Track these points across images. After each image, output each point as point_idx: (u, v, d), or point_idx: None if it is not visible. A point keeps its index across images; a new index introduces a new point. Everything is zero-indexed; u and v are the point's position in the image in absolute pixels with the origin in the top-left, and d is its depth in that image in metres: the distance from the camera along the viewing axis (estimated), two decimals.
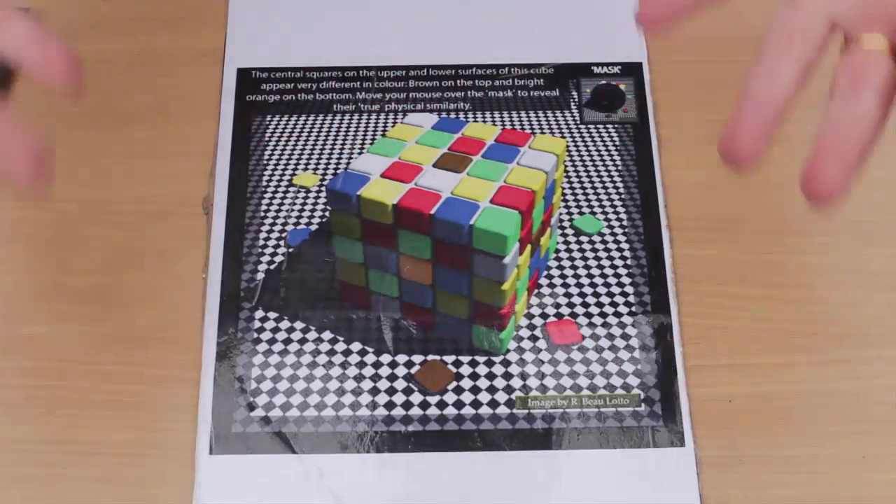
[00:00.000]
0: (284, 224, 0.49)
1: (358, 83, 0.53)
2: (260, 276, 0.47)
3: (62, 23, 0.54)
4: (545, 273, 0.48)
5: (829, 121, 0.33)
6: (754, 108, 0.34)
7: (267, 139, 0.51)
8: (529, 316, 0.46)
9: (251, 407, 0.44)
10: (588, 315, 0.46)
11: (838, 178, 0.33)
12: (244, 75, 0.53)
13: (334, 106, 0.52)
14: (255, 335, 0.46)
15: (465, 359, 0.45)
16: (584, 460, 0.43)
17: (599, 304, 0.47)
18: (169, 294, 0.47)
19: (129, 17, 0.55)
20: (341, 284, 0.47)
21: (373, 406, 0.44)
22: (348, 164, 0.50)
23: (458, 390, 0.44)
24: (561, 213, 0.49)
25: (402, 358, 0.45)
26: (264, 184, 0.50)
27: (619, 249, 0.48)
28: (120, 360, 0.45)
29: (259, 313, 0.46)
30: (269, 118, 0.52)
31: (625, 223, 0.49)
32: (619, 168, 0.50)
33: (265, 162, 0.51)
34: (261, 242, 0.48)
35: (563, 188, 0.50)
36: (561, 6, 0.55)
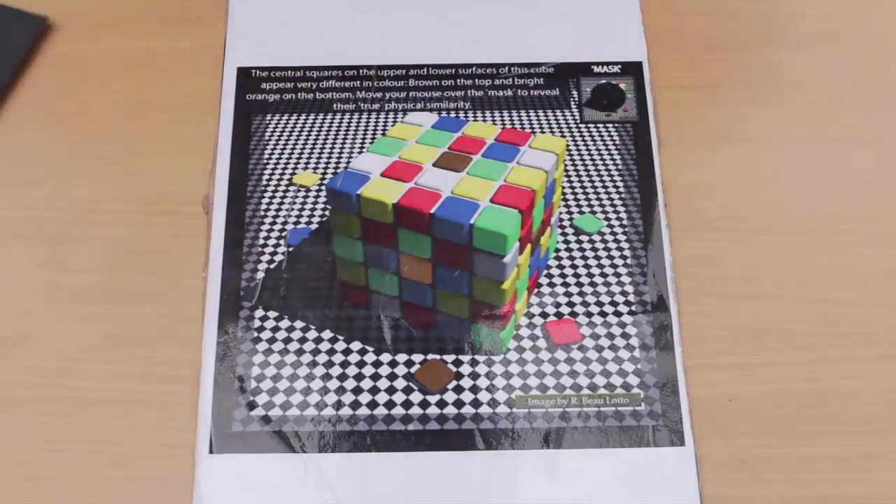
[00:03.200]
0: (284, 223, 0.49)
1: (358, 83, 0.53)
2: (260, 275, 0.47)
3: (62, 23, 0.54)
4: (545, 272, 0.48)
5: None
6: None
7: (267, 138, 0.51)
8: (529, 315, 0.46)
9: (251, 406, 0.44)
10: (588, 314, 0.46)
11: None
12: (244, 75, 0.53)
13: (334, 105, 0.52)
14: (255, 334, 0.46)
15: (465, 358, 0.45)
16: (584, 460, 0.43)
17: (599, 304, 0.47)
18: (169, 294, 0.47)
19: (129, 16, 0.55)
20: (341, 284, 0.47)
21: (373, 406, 0.44)
22: (348, 163, 0.50)
23: (458, 389, 0.44)
24: (561, 213, 0.49)
25: (402, 357, 0.45)
26: (264, 183, 0.50)
27: (619, 249, 0.48)
28: (120, 359, 0.45)
29: (259, 312, 0.46)
30: (268, 117, 0.52)
31: (625, 222, 0.49)
32: (619, 167, 0.50)
33: (265, 161, 0.51)
34: (261, 242, 0.48)
35: (563, 187, 0.50)
36: (561, 6, 0.55)
